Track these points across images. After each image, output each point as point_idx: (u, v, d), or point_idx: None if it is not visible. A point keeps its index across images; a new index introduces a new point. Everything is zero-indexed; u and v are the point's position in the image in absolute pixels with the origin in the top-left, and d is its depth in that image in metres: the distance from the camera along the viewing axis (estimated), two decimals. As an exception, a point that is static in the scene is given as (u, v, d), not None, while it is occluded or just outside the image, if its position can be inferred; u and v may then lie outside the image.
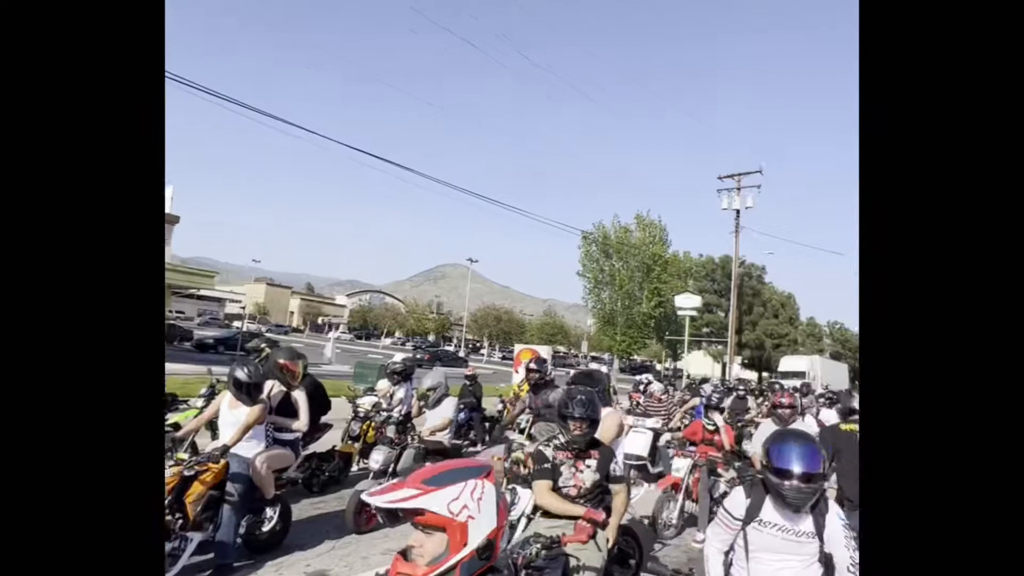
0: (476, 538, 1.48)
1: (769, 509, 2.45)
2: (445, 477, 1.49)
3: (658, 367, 58.24)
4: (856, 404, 5.12)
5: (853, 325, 73.16)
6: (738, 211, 28.18)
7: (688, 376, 45.28)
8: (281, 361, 5.15)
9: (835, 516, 2.41)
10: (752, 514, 2.47)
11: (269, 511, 4.73)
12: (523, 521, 3.67)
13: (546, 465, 3.19)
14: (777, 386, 12.47)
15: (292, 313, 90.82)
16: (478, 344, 73.14)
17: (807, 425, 5.25)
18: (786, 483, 2.32)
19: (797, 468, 2.29)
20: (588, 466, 3.18)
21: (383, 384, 7.80)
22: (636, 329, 47.79)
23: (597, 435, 3.25)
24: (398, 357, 8.39)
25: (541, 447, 3.31)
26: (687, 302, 32.37)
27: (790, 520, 2.40)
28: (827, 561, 2.42)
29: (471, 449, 9.40)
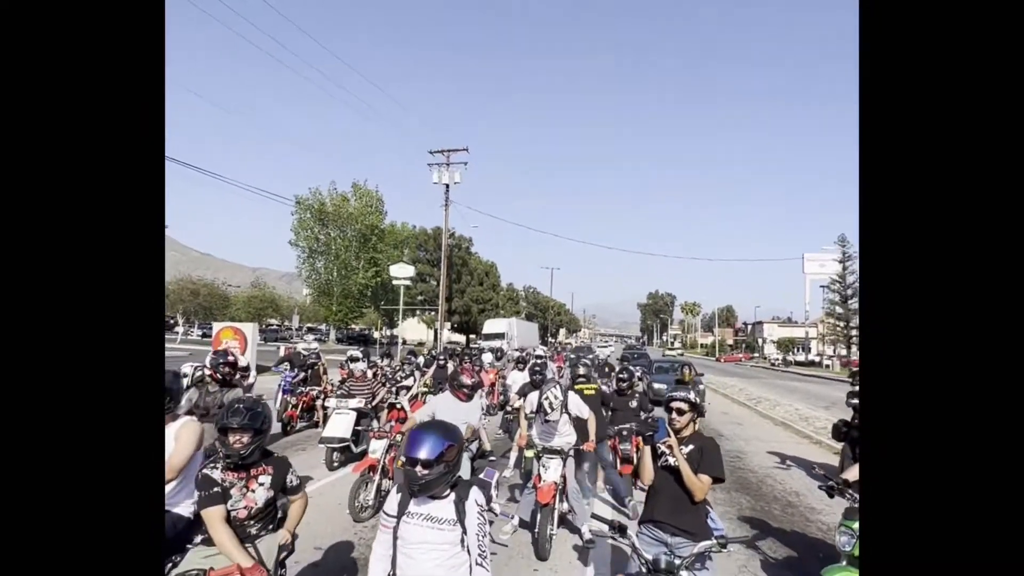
0: None
1: (416, 501, 2.55)
2: None
3: (375, 335, 58.71)
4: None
5: (544, 290, 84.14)
6: (447, 185, 29.66)
7: (404, 343, 46.59)
8: None
9: (473, 503, 2.57)
10: (403, 507, 2.56)
11: None
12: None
13: (215, 490, 2.85)
14: (467, 356, 13.47)
15: None
16: (172, 321, 63.82)
17: (473, 407, 5.82)
18: (408, 468, 2.48)
19: (413, 454, 2.45)
20: (261, 483, 2.96)
21: None
22: (353, 299, 47.28)
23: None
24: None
25: (207, 470, 2.96)
26: (402, 272, 33.06)
27: (433, 509, 2.54)
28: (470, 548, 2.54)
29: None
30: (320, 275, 46.60)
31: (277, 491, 3.01)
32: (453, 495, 2.58)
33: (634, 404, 7.47)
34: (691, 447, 3.34)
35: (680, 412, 3.40)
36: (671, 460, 3.25)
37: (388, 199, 49.81)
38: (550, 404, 5.49)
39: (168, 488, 3.25)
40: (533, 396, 5.95)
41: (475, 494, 2.62)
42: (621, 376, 7.77)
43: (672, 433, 3.35)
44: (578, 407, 5.93)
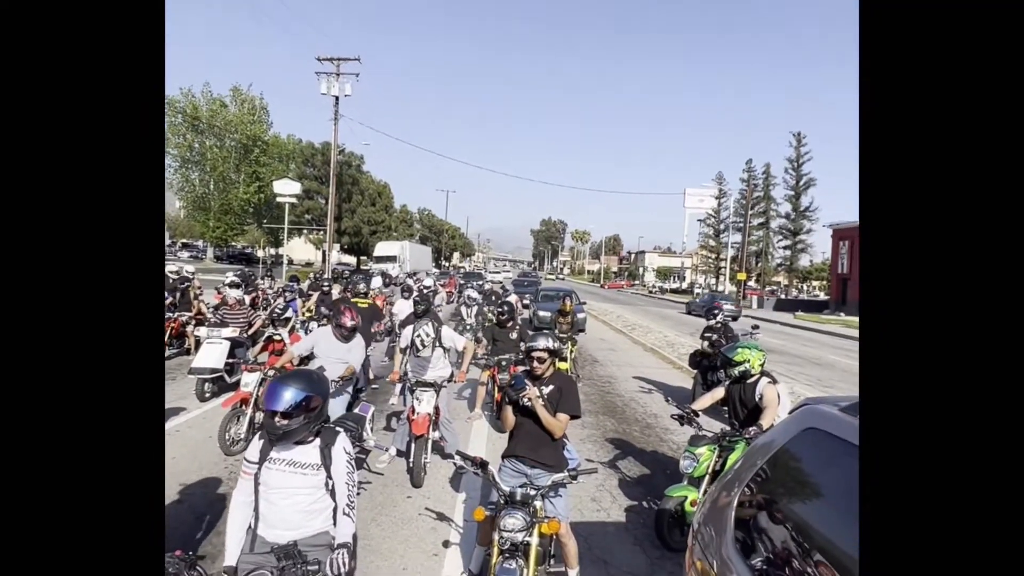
0: None
1: (278, 447, 2.52)
2: None
3: (259, 254, 55.66)
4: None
5: (440, 212, 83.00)
6: (337, 98, 27.79)
7: (290, 263, 44.49)
8: None
9: (341, 451, 2.59)
10: (265, 454, 2.53)
11: None
12: None
13: None
14: (351, 284, 13.13)
15: None
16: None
17: (354, 347, 5.79)
18: (267, 420, 2.48)
19: (272, 407, 2.45)
20: None
21: None
22: (233, 215, 44.10)
23: None
24: None
25: None
26: (287, 188, 31.17)
27: (296, 454, 2.53)
28: (334, 491, 2.57)
29: None
30: (195, 188, 42.82)
31: None
32: (319, 440, 2.58)
33: (514, 336, 7.77)
34: (551, 387, 3.59)
35: (541, 361, 3.62)
36: (527, 403, 3.45)
37: (273, 109, 46.08)
38: (422, 341, 5.60)
39: None
40: (407, 332, 5.99)
41: (343, 441, 2.62)
42: (501, 310, 8.02)
43: (531, 382, 3.55)
44: (451, 339, 6.05)
